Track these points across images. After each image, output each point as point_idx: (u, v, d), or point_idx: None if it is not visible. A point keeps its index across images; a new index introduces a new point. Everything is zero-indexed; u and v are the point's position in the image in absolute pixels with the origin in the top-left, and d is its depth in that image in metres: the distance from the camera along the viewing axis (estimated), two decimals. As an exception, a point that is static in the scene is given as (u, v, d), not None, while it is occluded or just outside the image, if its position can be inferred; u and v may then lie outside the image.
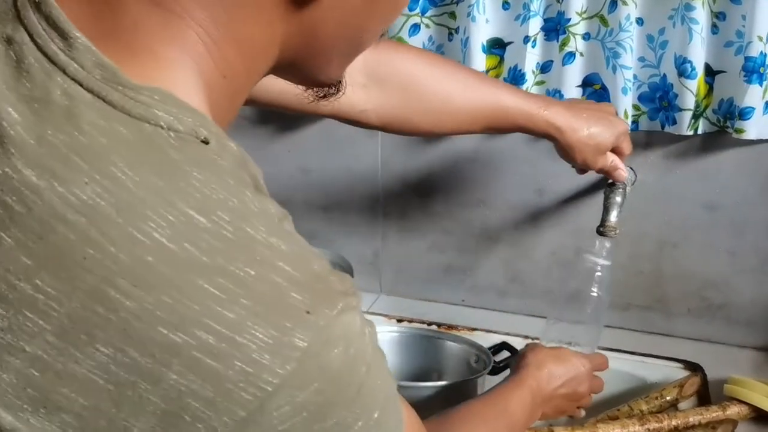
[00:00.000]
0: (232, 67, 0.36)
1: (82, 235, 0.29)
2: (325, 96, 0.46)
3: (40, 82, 0.31)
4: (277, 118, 1.09)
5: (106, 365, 0.29)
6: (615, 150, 0.81)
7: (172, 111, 0.32)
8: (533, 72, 0.93)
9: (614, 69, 0.88)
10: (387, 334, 0.98)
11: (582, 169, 0.83)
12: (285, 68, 0.41)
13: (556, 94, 0.92)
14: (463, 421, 0.61)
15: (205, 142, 0.33)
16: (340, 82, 0.46)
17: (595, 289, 0.81)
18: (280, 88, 0.51)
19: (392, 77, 0.70)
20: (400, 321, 1.04)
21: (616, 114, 0.84)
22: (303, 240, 0.35)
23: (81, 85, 0.31)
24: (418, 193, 1.07)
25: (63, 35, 0.32)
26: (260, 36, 0.37)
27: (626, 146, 0.82)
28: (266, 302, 0.31)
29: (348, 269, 1.06)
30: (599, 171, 0.82)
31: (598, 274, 0.81)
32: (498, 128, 0.76)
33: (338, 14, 0.38)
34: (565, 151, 0.77)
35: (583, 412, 0.77)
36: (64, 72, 0.32)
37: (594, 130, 0.76)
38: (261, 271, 0.31)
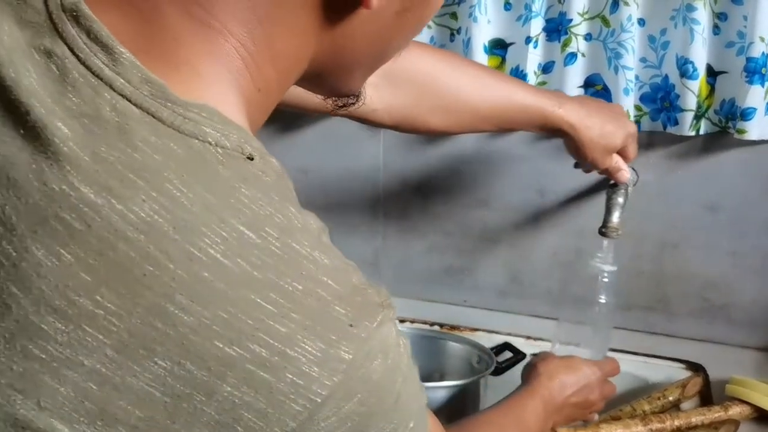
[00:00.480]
0: (267, 80, 0.37)
1: (142, 252, 0.30)
2: (344, 105, 0.47)
3: (88, 97, 0.31)
4: (276, 118, 1.09)
5: (163, 378, 0.30)
6: (621, 152, 0.81)
7: (219, 127, 0.33)
8: (535, 72, 0.93)
9: (616, 69, 0.88)
10: (389, 335, 0.98)
11: (588, 169, 0.83)
12: (309, 80, 0.41)
13: (558, 95, 0.93)
14: (479, 430, 0.62)
15: (250, 158, 0.33)
16: (360, 92, 0.46)
17: (602, 297, 0.80)
18: (300, 91, 0.51)
19: (406, 76, 0.69)
20: (402, 321, 1.03)
21: (626, 115, 0.83)
22: (339, 252, 0.36)
23: (129, 100, 0.31)
24: (418, 193, 1.07)
25: (106, 50, 0.32)
26: (294, 51, 0.37)
27: (632, 149, 0.82)
28: (314, 316, 0.32)
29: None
30: (602, 171, 0.82)
31: (605, 280, 0.81)
32: (511, 126, 0.75)
33: (368, 30, 0.39)
34: (576, 148, 0.77)
35: (596, 416, 0.77)
36: (111, 87, 0.32)
37: (607, 130, 0.76)
38: (307, 286, 0.32)
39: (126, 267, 0.29)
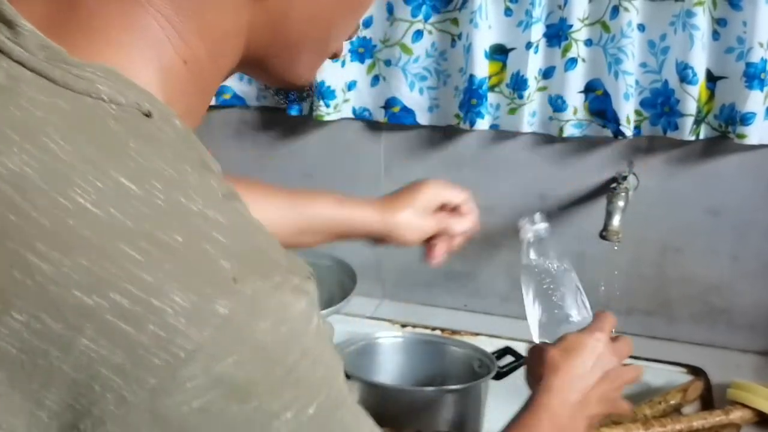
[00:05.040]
0: (195, 54, 0.37)
1: (7, 202, 0.29)
2: (296, 99, 0.47)
3: None
4: (280, 124, 1.10)
5: (19, 333, 0.28)
6: (454, 210, 0.77)
7: (115, 86, 0.33)
8: (535, 78, 0.93)
9: (616, 75, 0.89)
10: (391, 339, 0.99)
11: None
12: (254, 65, 0.41)
13: (558, 100, 0.93)
14: None
15: (147, 114, 0.33)
16: (311, 85, 0.46)
17: (536, 258, 0.76)
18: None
19: None
20: (404, 326, 1.04)
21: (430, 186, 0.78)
22: (260, 224, 0.34)
23: (24, 66, 0.32)
24: (420, 198, 1.07)
25: (9, 24, 0.33)
26: (225, 24, 0.37)
27: (466, 209, 0.78)
28: (190, 268, 0.30)
29: (351, 275, 1.06)
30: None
31: (530, 239, 0.77)
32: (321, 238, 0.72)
33: (304, 6, 0.39)
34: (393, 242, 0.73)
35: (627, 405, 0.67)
36: (10, 57, 0.32)
37: (404, 217, 0.73)
38: (190, 239, 0.30)
39: None
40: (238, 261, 0.31)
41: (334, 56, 0.46)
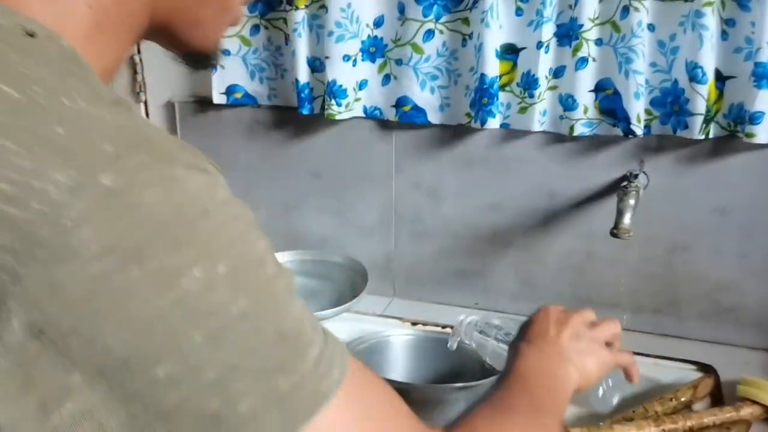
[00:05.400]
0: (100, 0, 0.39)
1: None
2: (203, 66, 0.48)
3: None
4: (291, 123, 1.10)
5: None
6: None
7: None
8: (546, 77, 0.94)
9: (626, 74, 0.90)
10: (401, 337, 0.99)
11: None
12: (162, 28, 0.43)
13: (569, 99, 0.94)
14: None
15: (31, 34, 0.34)
16: (216, 53, 0.48)
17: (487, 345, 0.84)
18: None
19: None
20: (414, 324, 1.04)
21: None
22: (153, 125, 0.35)
23: None
24: (430, 196, 1.08)
25: None
26: None
27: None
28: (72, 152, 0.31)
29: (363, 272, 1.07)
30: None
31: (478, 330, 0.86)
32: None
33: None
34: None
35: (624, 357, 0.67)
36: None
37: None
38: (72, 131, 0.31)
39: None
40: (123, 144, 0.32)
41: (235, 22, 0.48)
